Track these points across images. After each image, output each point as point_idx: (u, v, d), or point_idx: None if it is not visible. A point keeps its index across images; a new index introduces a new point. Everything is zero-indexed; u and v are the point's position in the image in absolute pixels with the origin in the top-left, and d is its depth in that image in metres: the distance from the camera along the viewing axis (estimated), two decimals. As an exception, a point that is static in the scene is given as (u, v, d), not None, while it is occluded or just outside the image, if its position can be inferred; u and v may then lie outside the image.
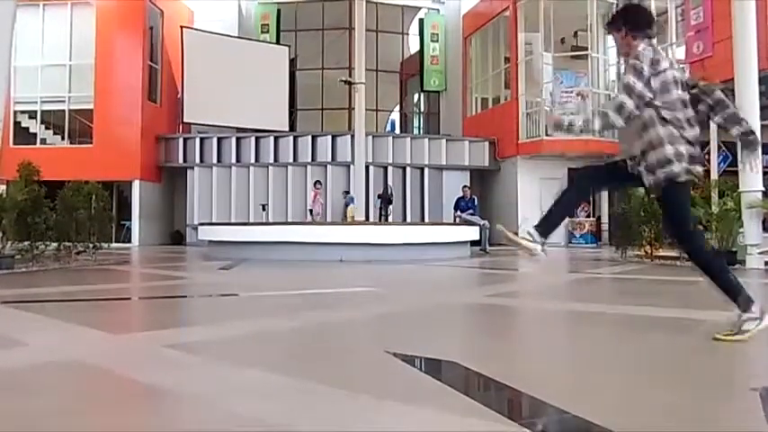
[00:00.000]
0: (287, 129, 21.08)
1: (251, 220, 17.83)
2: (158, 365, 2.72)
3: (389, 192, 17.46)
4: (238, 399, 2.14)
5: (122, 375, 2.54)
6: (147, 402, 2.18)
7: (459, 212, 14.93)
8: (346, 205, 17.39)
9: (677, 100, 3.16)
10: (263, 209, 17.80)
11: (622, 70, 3.22)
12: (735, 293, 3.14)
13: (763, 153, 9.44)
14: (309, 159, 19.58)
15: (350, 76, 19.08)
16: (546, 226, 3.36)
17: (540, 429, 1.94)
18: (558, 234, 18.55)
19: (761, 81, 9.48)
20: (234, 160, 19.82)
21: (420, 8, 24.64)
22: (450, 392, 2.24)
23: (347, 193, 17.90)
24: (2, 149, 8.63)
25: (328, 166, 19.25)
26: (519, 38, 18.94)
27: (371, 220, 17.24)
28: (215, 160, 19.81)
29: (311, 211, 17.02)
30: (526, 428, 1.84)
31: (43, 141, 19.67)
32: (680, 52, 16.62)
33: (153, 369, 2.64)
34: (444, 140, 20.37)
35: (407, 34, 25.31)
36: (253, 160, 19.80)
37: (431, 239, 10.99)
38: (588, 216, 18.92)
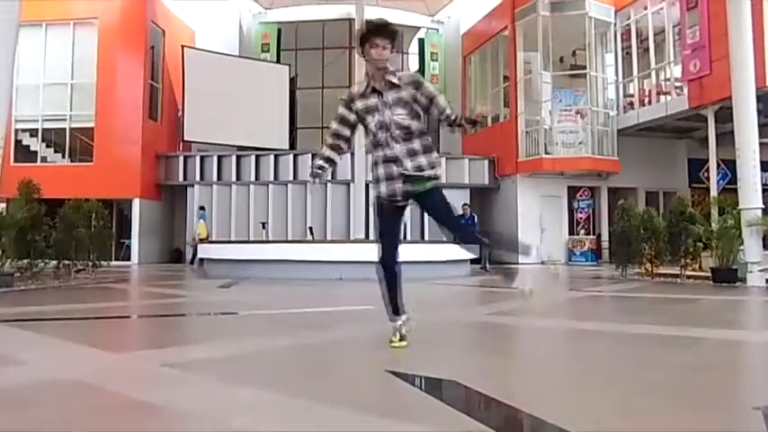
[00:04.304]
0: (287, 147, 21.17)
1: (251, 239, 17.82)
2: (156, 384, 2.71)
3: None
4: (236, 418, 2.12)
5: (120, 393, 2.52)
6: (143, 420, 2.16)
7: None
8: (199, 220, 17.28)
9: None
10: (263, 227, 17.80)
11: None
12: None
13: (762, 171, 9.51)
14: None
15: (350, 94, 19.24)
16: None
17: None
18: (559, 252, 18.61)
19: (759, 99, 9.55)
20: (234, 178, 19.87)
21: (420, 28, 24.86)
22: (450, 412, 2.22)
23: (202, 209, 17.92)
24: (2, 167, 8.63)
25: (328, 185, 19.29)
26: (518, 57, 19.09)
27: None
28: (215, 178, 19.86)
29: None
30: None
31: (44, 159, 19.73)
32: (677, 71, 16.75)
33: (150, 387, 2.62)
34: (444, 158, 20.42)
35: (407, 53, 25.50)
36: (253, 178, 19.84)
37: (430, 258, 10.95)
38: (588, 234, 18.91)
